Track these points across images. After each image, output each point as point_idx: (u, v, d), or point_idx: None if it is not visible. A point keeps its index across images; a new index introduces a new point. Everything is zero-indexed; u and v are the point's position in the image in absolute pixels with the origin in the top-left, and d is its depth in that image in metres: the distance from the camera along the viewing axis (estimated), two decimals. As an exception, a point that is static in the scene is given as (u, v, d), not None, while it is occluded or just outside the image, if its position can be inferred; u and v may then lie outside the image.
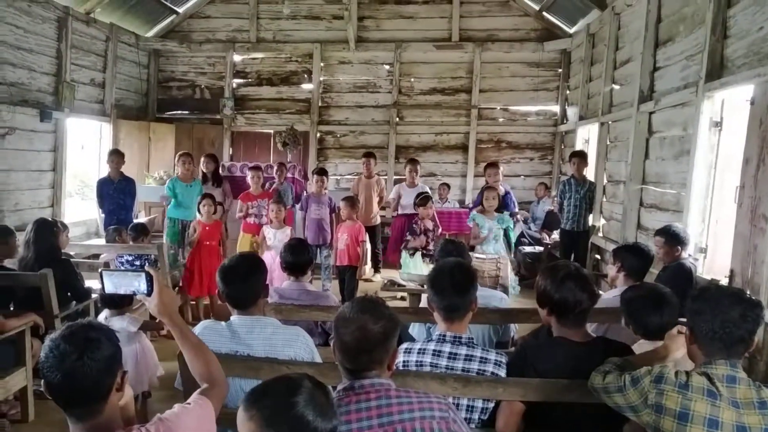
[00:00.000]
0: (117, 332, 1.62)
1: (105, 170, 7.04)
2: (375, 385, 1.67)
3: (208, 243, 5.75)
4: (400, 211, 7.57)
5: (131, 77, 9.54)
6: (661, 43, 5.74)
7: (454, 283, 2.28)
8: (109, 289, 1.83)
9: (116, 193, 6.77)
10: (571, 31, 9.29)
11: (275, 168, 7.86)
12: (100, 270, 1.86)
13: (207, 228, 5.73)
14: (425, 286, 2.67)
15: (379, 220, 7.86)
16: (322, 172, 6.69)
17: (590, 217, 7.02)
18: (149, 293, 1.78)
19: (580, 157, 6.83)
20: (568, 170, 7.54)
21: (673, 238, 3.95)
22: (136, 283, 1.79)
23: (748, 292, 2.46)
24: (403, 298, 5.73)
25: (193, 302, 5.88)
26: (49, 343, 1.48)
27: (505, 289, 4.16)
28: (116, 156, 6.93)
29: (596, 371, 1.98)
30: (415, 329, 3.44)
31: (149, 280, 1.78)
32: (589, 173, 7.66)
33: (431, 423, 1.62)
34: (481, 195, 6.04)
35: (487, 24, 9.78)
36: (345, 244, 5.90)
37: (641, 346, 2.38)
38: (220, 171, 7.65)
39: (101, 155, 8.75)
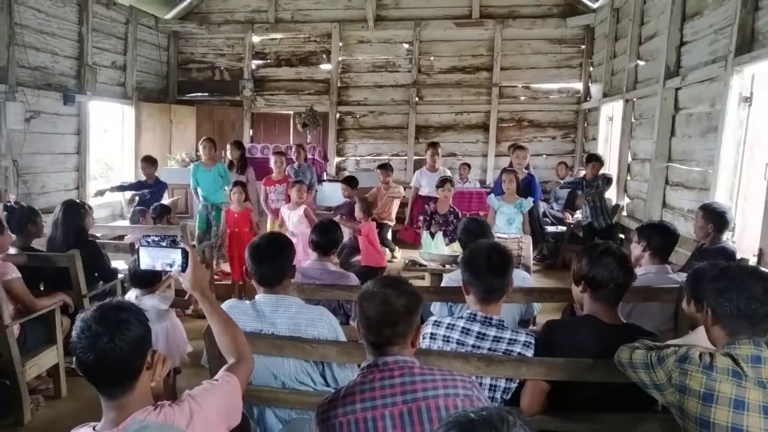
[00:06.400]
0: (147, 311, 1.64)
1: (128, 153, 7.00)
2: (399, 362, 1.68)
3: (238, 230, 5.77)
4: (421, 194, 7.46)
5: (151, 60, 9.60)
6: (689, 17, 5.58)
7: (491, 265, 2.26)
8: (146, 263, 1.86)
9: (152, 198, 6.71)
10: (595, 6, 9.08)
11: (293, 149, 7.86)
12: (137, 245, 1.89)
13: (236, 215, 5.77)
14: (455, 266, 2.64)
15: (393, 222, 7.57)
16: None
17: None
18: (184, 269, 1.82)
19: (597, 161, 6.64)
20: (582, 171, 7.40)
21: (717, 216, 3.69)
22: (172, 258, 1.83)
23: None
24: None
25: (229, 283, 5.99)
26: (80, 324, 1.50)
27: (527, 269, 4.13)
28: (146, 162, 6.87)
29: (625, 346, 1.96)
30: (437, 308, 3.44)
31: (185, 255, 1.82)
32: (614, 151, 7.52)
33: (455, 400, 1.62)
34: (500, 179, 5.89)
35: (508, 0, 9.59)
36: (363, 245, 5.80)
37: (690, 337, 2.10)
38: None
39: (124, 138, 8.85)
